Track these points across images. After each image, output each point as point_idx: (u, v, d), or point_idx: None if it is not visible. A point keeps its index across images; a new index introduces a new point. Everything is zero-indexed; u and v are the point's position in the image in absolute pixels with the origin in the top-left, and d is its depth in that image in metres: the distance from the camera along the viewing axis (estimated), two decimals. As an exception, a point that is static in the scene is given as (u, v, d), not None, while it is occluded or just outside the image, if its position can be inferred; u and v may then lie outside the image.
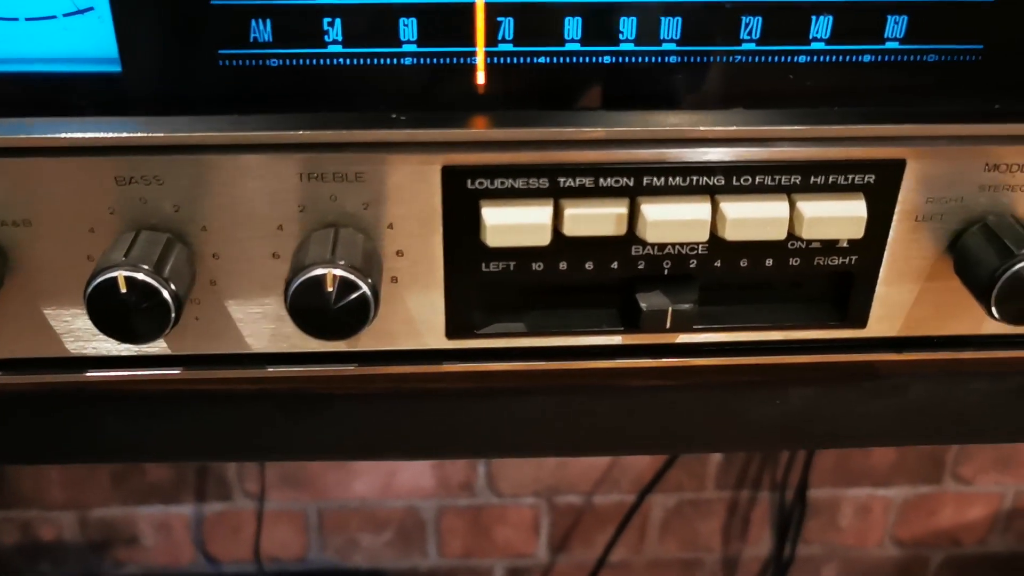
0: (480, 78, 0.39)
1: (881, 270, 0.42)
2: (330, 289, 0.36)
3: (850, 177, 0.39)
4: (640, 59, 0.39)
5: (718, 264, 0.41)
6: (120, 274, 0.35)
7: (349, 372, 0.44)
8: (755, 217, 0.39)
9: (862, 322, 0.43)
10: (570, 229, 0.39)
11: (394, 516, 1.42)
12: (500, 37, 0.39)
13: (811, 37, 0.40)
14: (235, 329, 0.42)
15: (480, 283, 0.41)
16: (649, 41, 0.39)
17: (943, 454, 1.38)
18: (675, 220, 0.39)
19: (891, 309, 0.43)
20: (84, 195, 0.38)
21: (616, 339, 0.44)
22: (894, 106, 0.40)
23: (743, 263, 0.41)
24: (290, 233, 0.39)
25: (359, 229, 0.39)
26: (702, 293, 0.43)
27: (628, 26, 0.39)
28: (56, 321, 0.41)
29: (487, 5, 0.38)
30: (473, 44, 0.39)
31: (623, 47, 0.39)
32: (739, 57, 0.40)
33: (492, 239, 0.39)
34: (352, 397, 0.46)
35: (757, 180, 0.39)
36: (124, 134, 0.37)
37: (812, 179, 0.39)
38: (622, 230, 0.39)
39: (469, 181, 0.39)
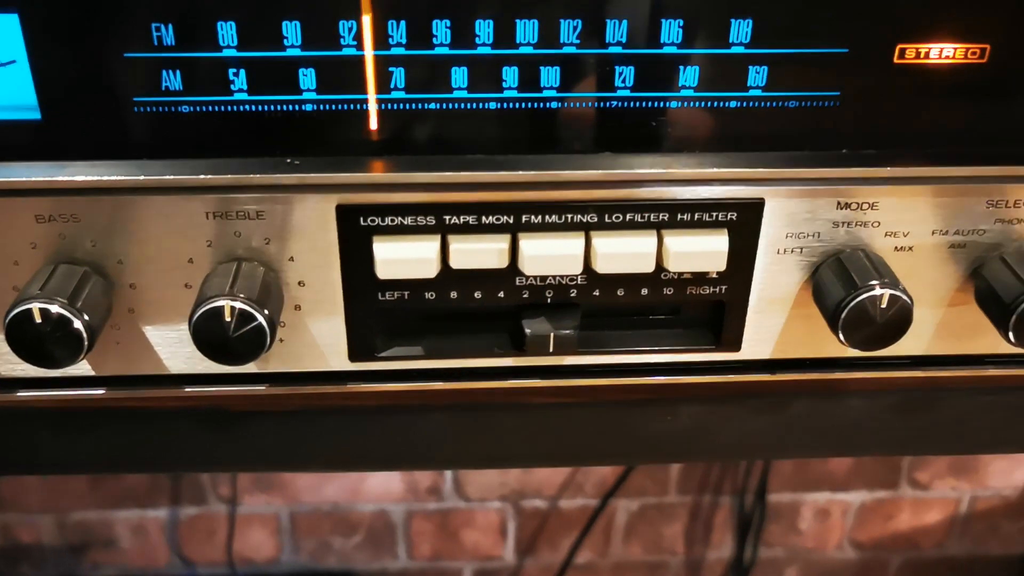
0: (373, 123, 0.43)
1: (751, 298, 0.46)
2: (229, 319, 0.40)
3: (714, 215, 0.43)
4: (522, 105, 0.43)
5: (596, 293, 0.45)
6: (35, 306, 0.39)
7: (261, 392, 0.47)
8: (624, 252, 0.42)
9: (736, 346, 0.47)
10: (457, 262, 0.43)
11: (364, 519, 1.45)
12: (392, 85, 0.42)
13: (680, 85, 0.43)
14: (154, 352, 0.45)
15: (377, 311, 0.44)
16: (530, 88, 0.43)
17: (899, 460, 1.42)
18: (551, 255, 0.42)
19: (764, 333, 0.47)
20: (7, 232, 0.41)
21: (511, 361, 0.47)
22: (756, 149, 0.44)
23: (620, 292, 0.45)
24: (200, 266, 0.43)
25: (262, 262, 0.43)
26: (588, 319, 0.46)
27: (511, 75, 0.42)
28: (-13, 345, 0.44)
29: (378, 57, 0.41)
30: (366, 92, 0.42)
31: (507, 94, 0.43)
32: (614, 103, 0.43)
33: (383, 272, 0.42)
34: (267, 414, 0.49)
35: (627, 217, 0.43)
36: (43, 178, 0.40)
37: (679, 216, 0.43)
38: (504, 263, 0.43)
39: (362, 219, 0.42)
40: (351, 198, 0.42)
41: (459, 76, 0.42)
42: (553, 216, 0.43)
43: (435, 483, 1.42)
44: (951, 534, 1.50)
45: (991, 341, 0.47)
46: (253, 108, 0.42)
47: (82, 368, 0.45)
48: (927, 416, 0.52)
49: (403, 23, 0.41)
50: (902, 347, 0.48)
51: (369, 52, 0.41)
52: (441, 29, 0.41)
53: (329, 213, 0.42)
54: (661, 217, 0.43)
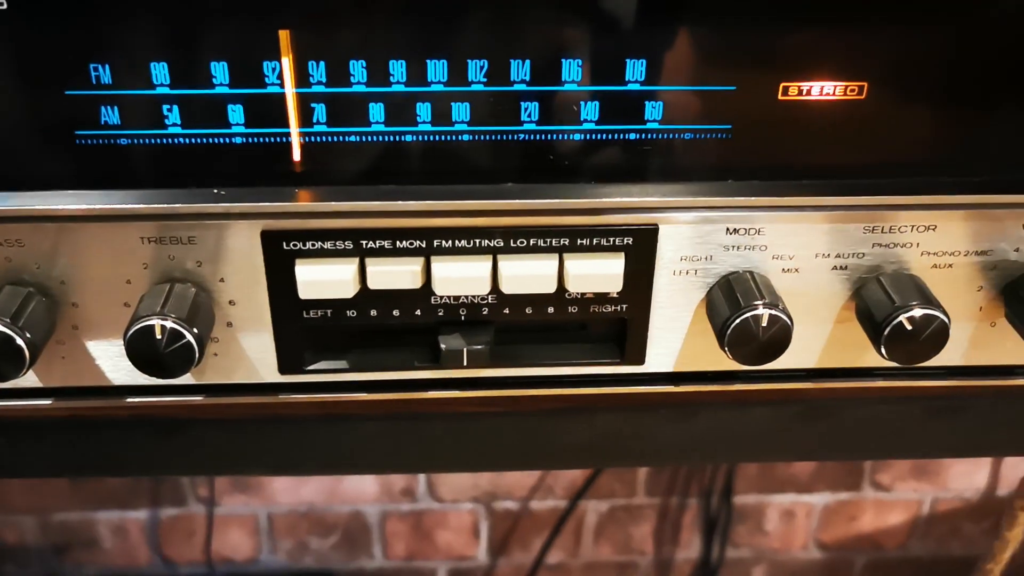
0: (296, 155, 0.46)
1: (652, 316, 0.49)
2: (159, 337, 0.44)
3: (611, 239, 0.47)
4: (435, 138, 0.46)
5: (507, 311, 0.48)
6: (-21, 325, 0.42)
7: (200, 402, 0.51)
8: (528, 274, 0.46)
9: (640, 359, 0.51)
10: (374, 283, 0.46)
11: (340, 520, 1.49)
12: (315, 120, 0.46)
13: (582, 119, 0.47)
14: (97, 365, 0.49)
15: (303, 327, 0.48)
16: (443, 122, 0.46)
17: (861, 462, 1.45)
18: (460, 277, 0.46)
19: (666, 348, 0.51)
20: (-43, 256, 0.45)
21: (432, 373, 0.51)
22: (654, 178, 0.47)
23: (528, 311, 0.48)
24: (137, 286, 0.47)
25: (195, 283, 0.46)
26: (504, 334, 0.50)
27: (424, 110, 0.46)
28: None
29: (300, 94, 0.45)
30: (288, 126, 0.46)
31: (420, 127, 0.46)
32: (521, 136, 0.47)
33: (305, 292, 0.46)
34: (209, 422, 0.53)
35: (531, 242, 0.46)
36: (-12, 206, 0.44)
37: (579, 241, 0.46)
38: (419, 284, 0.47)
39: (285, 243, 0.46)
40: (275, 225, 0.45)
41: (376, 111, 0.46)
42: (462, 241, 0.46)
43: (409, 485, 1.46)
44: (913, 535, 1.53)
45: (876, 355, 0.51)
46: (186, 141, 0.46)
47: (30, 380, 0.49)
48: (826, 424, 0.55)
49: (322, 63, 0.44)
50: (796, 360, 0.51)
51: (290, 90, 0.45)
52: (358, 69, 0.45)
53: (255, 238, 0.46)
54: (562, 242, 0.46)
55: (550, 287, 0.46)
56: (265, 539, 1.51)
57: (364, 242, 0.46)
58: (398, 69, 0.45)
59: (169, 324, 0.43)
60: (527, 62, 0.45)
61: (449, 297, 0.48)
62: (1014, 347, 0.50)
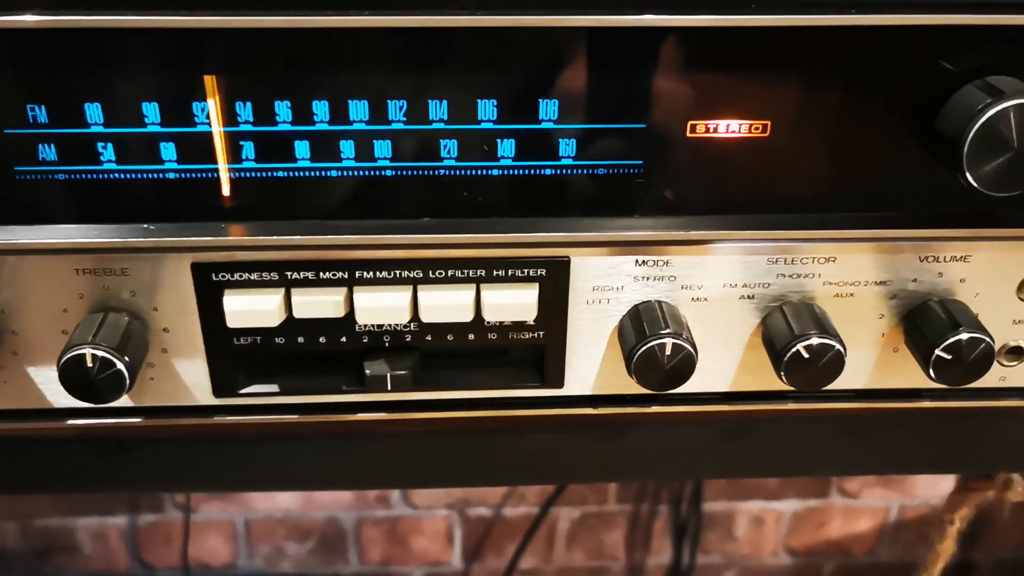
0: (225, 190, 0.48)
1: (569, 342, 0.52)
2: (91, 365, 0.46)
3: (525, 271, 0.49)
4: (358, 174, 0.49)
5: (429, 338, 0.51)
6: (-84, 354, 0.45)
7: (139, 423, 0.53)
8: (445, 304, 0.48)
9: (559, 383, 0.53)
10: (299, 312, 0.49)
11: (316, 526, 1.51)
12: (244, 157, 0.48)
13: (499, 155, 0.49)
14: (38, 389, 0.51)
15: (234, 353, 0.50)
16: (366, 158, 0.48)
17: (829, 470, 1.48)
18: (381, 306, 0.48)
19: (584, 372, 0.53)
20: (-99, 287, 0.47)
21: (360, 397, 0.53)
22: (567, 212, 0.49)
23: (449, 337, 0.51)
24: (74, 314, 0.49)
25: (129, 312, 0.49)
26: (429, 359, 0.52)
27: (348, 147, 0.48)
28: None
29: (227, 133, 0.47)
30: (217, 163, 0.48)
31: (345, 163, 0.49)
32: (440, 171, 0.49)
33: (231, 321, 0.48)
34: (149, 441, 0.55)
35: (449, 273, 0.49)
36: (-71, 240, 0.46)
37: (494, 272, 0.49)
38: (342, 312, 0.49)
39: (213, 275, 0.48)
40: (204, 257, 0.48)
41: (302, 148, 0.48)
42: (383, 272, 0.48)
43: (384, 492, 1.48)
44: (881, 541, 1.56)
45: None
46: (120, 176, 0.48)
47: (-26, 403, 0.51)
48: (747, 443, 0.57)
49: (248, 104, 0.47)
50: (711, 383, 0.54)
51: (217, 129, 0.47)
52: (283, 109, 0.47)
53: (185, 270, 0.48)
54: (479, 273, 0.49)
55: (467, 316, 0.49)
56: (242, 545, 1.53)
57: (289, 273, 0.48)
58: (321, 109, 0.47)
59: (100, 353, 0.46)
60: (444, 102, 0.47)
61: (372, 325, 0.50)
62: (918, 371, 0.52)
